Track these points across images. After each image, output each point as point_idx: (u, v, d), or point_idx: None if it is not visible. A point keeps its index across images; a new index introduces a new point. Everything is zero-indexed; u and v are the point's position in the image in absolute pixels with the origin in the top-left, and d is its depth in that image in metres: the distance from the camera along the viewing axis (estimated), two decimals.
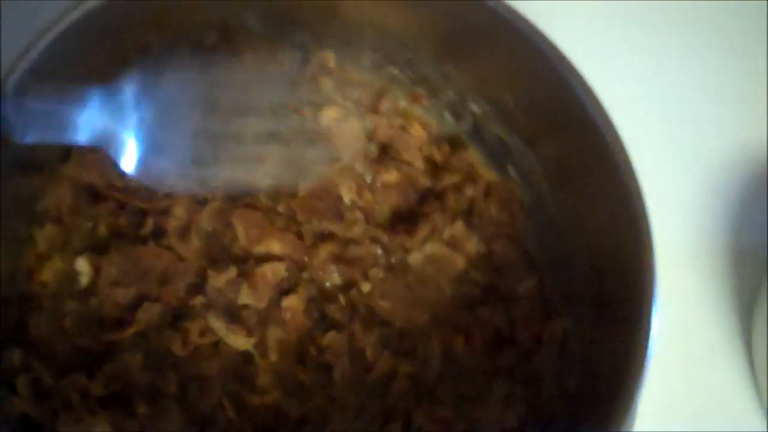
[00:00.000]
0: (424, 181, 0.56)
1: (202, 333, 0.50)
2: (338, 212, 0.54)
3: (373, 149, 0.56)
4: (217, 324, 0.50)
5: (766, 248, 0.62)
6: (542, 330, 0.52)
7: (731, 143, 0.64)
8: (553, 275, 0.54)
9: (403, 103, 0.57)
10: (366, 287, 0.52)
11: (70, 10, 0.45)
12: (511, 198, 0.56)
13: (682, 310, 0.60)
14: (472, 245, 0.54)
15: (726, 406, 0.58)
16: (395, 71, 0.57)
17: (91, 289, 0.50)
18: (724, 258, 0.61)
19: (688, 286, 0.60)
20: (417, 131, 0.56)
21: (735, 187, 0.63)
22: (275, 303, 0.51)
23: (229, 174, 0.51)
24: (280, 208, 0.54)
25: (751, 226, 0.62)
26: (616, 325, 0.47)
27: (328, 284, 0.53)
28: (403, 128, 0.56)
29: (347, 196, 0.55)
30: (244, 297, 0.51)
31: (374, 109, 0.56)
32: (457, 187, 0.56)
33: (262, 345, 0.51)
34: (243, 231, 0.52)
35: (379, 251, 0.53)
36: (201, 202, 0.53)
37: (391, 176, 0.55)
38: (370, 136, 0.56)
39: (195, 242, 0.52)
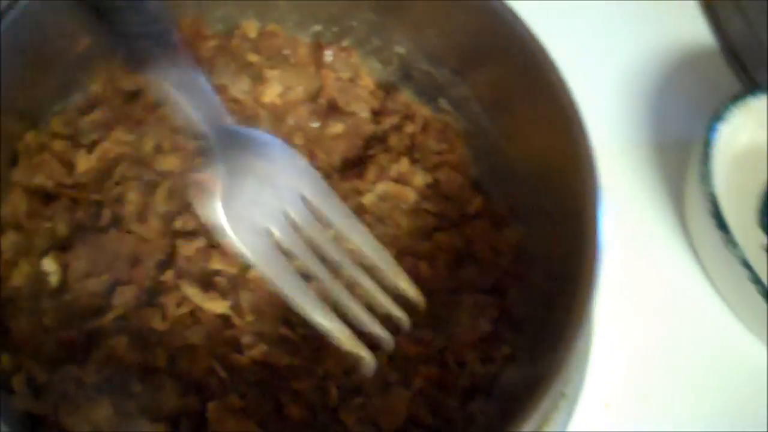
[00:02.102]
0: (368, 128, 0.60)
1: (179, 304, 0.52)
2: None
3: (322, 104, 0.60)
4: (191, 291, 0.52)
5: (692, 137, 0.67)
6: (497, 242, 0.57)
7: (647, 44, 0.70)
8: (499, 192, 0.59)
9: (343, 55, 0.60)
10: (330, 234, 0.56)
11: None
12: (446, 129, 0.61)
13: (617, 204, 0.65)
14: (419, 178, 0.59)
15: (670, 283, 0.65)
16: (318, 27, 0.60)
17: (63, 285, 0.52)
18: (650, 151, 0.67)
19: (620, 182, 0.66)
20: (365, 81, 0.61)
21: (653, 83, 0.69)
22: (245, 268, 0.54)
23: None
24: None
25: (670, 119, 0.68)
26: (567, 227, 0.51)
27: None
28: (352, 80, 0.60)
29: None
30: (216, 263, 0.53)
31: (318, 64, 0.60)
32: (397, 128, 0.60)
33: (238, 307, 0.53)
34: None
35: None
36: (153, 185, 0.55)
37: (338, 128, 0.59)
38: (317, 94, 0.60)
39: (154, 223, 0.54)
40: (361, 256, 0.50)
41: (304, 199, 0.49)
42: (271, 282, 0.47)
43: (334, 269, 0.49)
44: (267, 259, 0.47)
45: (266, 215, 0.47)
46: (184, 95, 0.46)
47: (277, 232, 0.47)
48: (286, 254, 0.48)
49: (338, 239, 0.50)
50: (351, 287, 0.49)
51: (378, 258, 0.50)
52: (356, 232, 0.50)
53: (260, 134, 0.49)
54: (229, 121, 0.48)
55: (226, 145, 0.47)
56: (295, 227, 0.48)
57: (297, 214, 0.48)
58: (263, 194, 0.47)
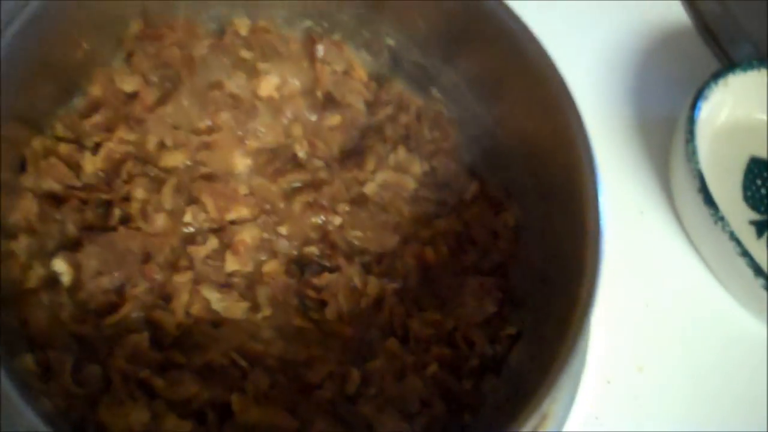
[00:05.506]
0: (364, 119, 0.66)
1: (195, 302, 0.57)
2: (298, 164, 0.64)
3: (318, 96, 0.66)
4: (213, 296, 0.58)
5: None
6: (495, 225, 0.63)
7: (625, 24, 0.77)
8: (494, 176, 0.65)
9: (335, 49, 0.66)
10: (338, 221, 0.62)
11: None
12: (439, 117, 0.67)
13: (607, 182, 0.72)
14: (417, 166, 0.65)
15: (661, 259, 0.71)
16: (309, 23, 0.66)
17: (77, 283, 0.57)
18: (633, 128, 0.74)
19: (607, 159, 0.71)
20: (359, 74, 0.67)
21: (633, 62, 0.76)
22: (259, 264, 0.60)
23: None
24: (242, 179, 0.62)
25: (651, 96, 0.75)
26: (565, 206, 0.57)
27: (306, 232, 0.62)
28: (346, 73, 0.66)
29: (301, 152, 0.64)
30: (231, 264, 0.59)
31: (312, 58, 0.66)
32: (392, 118, 0.67)
33: (255, 304, 0.59)
34: (211, 202, 0.60)
35: (343, 187, 0.63)
36: (159, 182, 0.60)
37: (335, 119, 0.65)
38: (313, 87, 0.66)
39: (161, 219, 0.59)
40: None
41: None
42: None
43: None
44: None
45: None
46: None
47: None
48: None
49: None
50: None
51: None
52: None
53: None
54: None
55: None
56: None
57: None
58: None
